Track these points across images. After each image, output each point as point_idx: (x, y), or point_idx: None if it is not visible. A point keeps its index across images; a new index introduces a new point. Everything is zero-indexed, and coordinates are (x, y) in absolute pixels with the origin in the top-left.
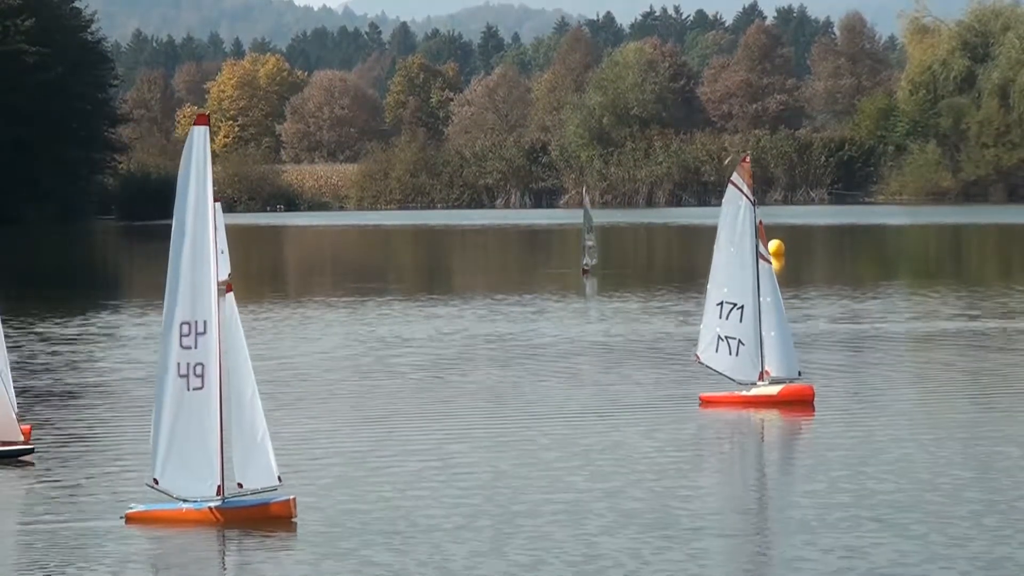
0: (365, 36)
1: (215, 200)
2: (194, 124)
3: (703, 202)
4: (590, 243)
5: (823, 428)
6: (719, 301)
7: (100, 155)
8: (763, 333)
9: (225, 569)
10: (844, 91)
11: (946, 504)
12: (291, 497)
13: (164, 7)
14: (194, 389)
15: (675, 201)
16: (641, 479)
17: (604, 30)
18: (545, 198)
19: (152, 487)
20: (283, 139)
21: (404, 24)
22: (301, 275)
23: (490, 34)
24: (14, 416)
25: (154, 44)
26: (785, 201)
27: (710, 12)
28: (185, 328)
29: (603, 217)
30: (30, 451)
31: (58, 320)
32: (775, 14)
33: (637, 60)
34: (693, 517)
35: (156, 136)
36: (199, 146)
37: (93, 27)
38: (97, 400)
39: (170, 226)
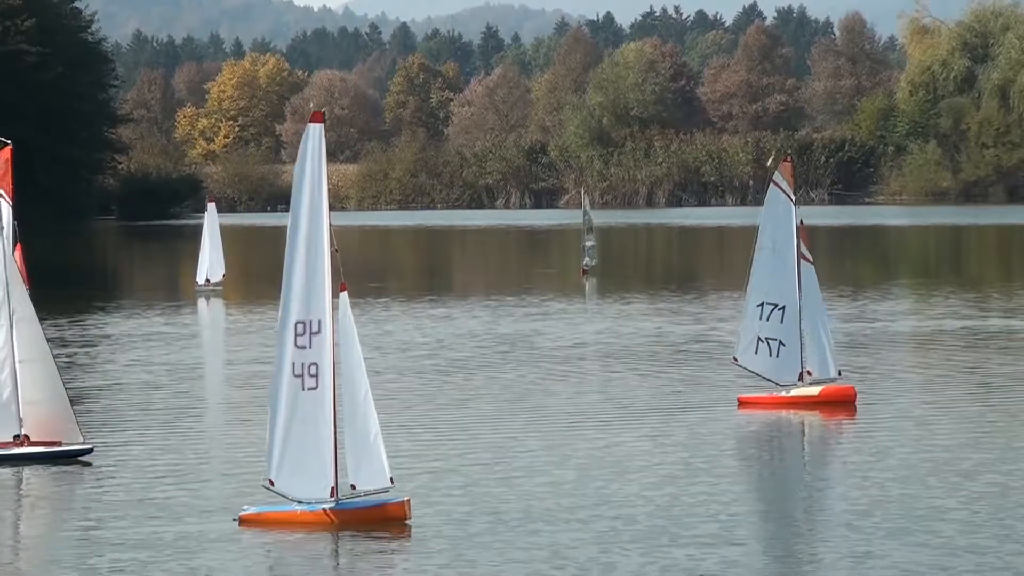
0: (365, 36)
1: (209, 200)
2: (310, 121)
3: (703, 202)
4: (590, 243)
5: (865, 430)
6: (760, 302)
7: (100, 155)
8: (804, 333)
9: (338, 572)
10: (844, 91)
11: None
12: (405, 499)
13: (164, 7)
14: (308, 389)
15: (675, 201)
16: (677, 483)
17: (604, 30)
18: (545, 198)
19: (268, 488)
20: (283, 139)
21: (404, 24)
22: None
23: (490, 34)
24: (74, 418)
25: (154, 44)
26: None
27: (710, 12)
28: (300, 327)
29: (603, 217)
30: (89, 451)
31: (59, 321)
32: (775, 14)
33: (637, 60)
34: (729, 523)
35: (156, 136)
36: (314, 144)
37: (93, 27)
38: (131, 401)
39: (169, 227)
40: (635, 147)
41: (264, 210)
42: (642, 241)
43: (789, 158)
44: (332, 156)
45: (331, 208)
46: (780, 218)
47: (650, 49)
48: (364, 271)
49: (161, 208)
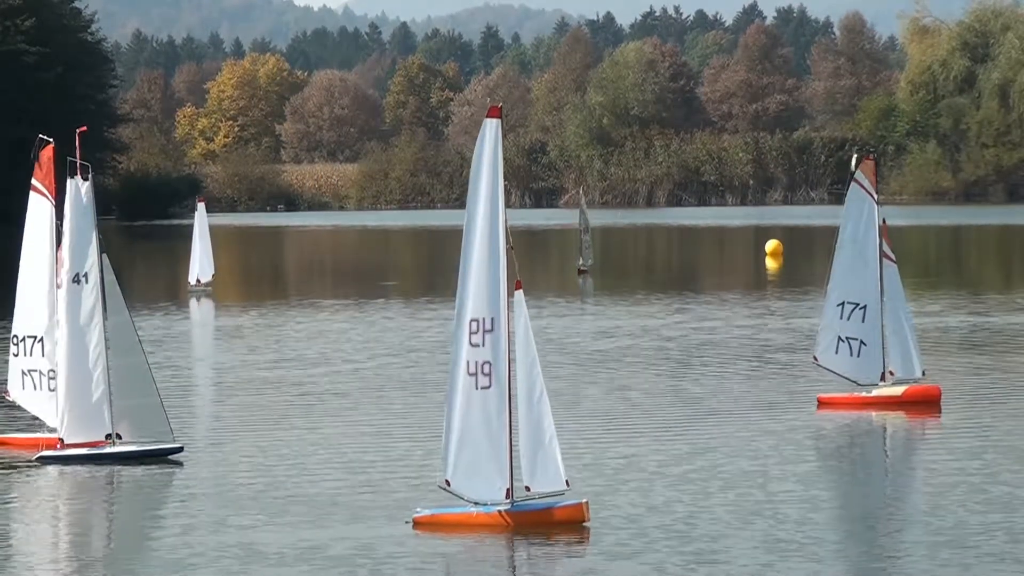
0: (365, 36)
1: (199, 200)
2: (487, 116)
3: (703, 202)
4: (586, 244)
5: (951, 431)
6: (840, 301)
7: (100, 155)
8: (887, 332)
9: (516, 575)
10: (844, 91)
11: None
12: (583, 501)
13: (164, 7)
14: (482, 388)
15: (675, 201)
16: (757, 485)
17: (604, 30)
18: (545, 198)
19: (444, 489)
20: (283, 139)
21: (404, 24)
22: (302, 276)
23: (490, 34)
24: (166, 417)
25: (154, 44)
26: (785, 201)
27: (710, 12)
28: (474, 325)
29: (603, 217)
30: (179, 450)
31: None
32: (775, 14)
33: (637, 60)
34: (803, 530)
35: (156, 136)
36: (491, 140)
37: (93, 27)
38: (205, 401)
39: (169, 227)
40: (635, 147)
41: (264, 210)
42: (642, 241)
43: (871, 156)
44: (332, 156)
45: (331, 208)
46: (862, 216)
47: (650, 49)
48: (364, 271)
49: (161, 208)
